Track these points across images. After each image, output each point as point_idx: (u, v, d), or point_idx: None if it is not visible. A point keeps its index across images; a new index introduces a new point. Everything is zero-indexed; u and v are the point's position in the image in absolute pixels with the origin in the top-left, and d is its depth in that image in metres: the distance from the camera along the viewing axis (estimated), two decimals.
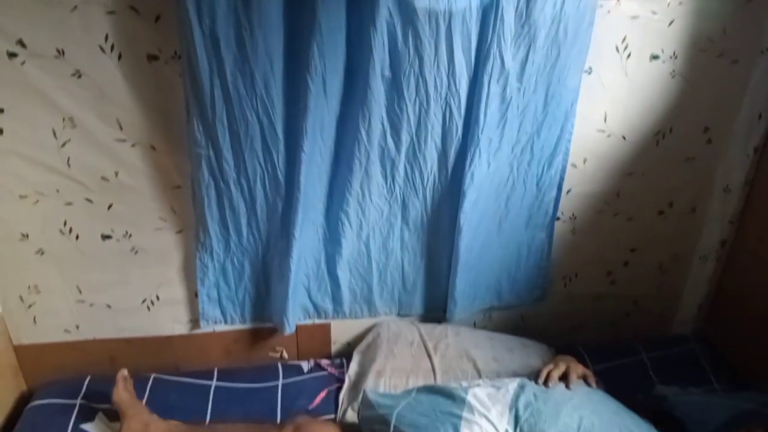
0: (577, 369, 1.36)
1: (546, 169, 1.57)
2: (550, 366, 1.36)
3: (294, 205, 1.47)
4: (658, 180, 1.65)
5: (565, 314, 1.85)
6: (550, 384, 1.31)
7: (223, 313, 1.68)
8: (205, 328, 1.69)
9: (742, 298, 1.72)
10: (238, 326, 1.72)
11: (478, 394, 1.28)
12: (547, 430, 1.18)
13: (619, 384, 1.55)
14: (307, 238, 1.57)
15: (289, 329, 1.66)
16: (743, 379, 1.65)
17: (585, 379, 1.36)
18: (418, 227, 1.64)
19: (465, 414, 1.22)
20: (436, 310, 1.79)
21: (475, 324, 1.83)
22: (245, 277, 1.64)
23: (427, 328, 1.71)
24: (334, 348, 1.81)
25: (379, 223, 1.60)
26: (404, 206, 1.59)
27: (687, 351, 1.76)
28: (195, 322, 1.68)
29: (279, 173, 1.44)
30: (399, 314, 1.79)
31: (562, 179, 1.60)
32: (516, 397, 1.26)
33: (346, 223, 1.57)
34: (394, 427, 1.23)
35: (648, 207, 1.71)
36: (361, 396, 1.39)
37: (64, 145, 1.39)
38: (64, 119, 1.36)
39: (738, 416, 1.36)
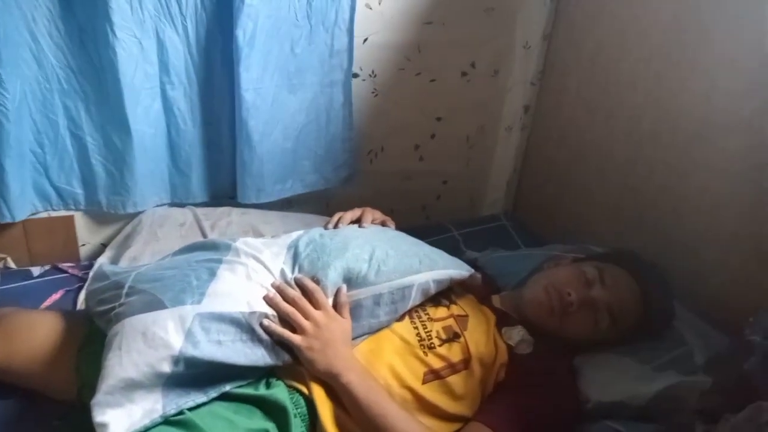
0: (374, 213, 1.14)
1: (331, 4, 1.32)
2: (343, 213, 1.12)
3: None
4: (459, 32, 1.51)
5: (374, 196, 1.61)
6: (340, 226, 1.07)
7: None
8: None
9: (546, 169, 1.67)
10: None
11: (251, 241, 0.99)
12: (332, 263, 0.92)
13: None
14: (20, 78, 1.14)
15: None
16: None
17: (383, 224, 1.15)
18: (183, 79, 1.29)
19: (227, 257, 0.92)
20: (222, 198, 1.47)
21: None
22: None
23: (205, 211, 1.38)
24: (84, 251, 1.39)
25: (129, 67, 1.22)
26: (160, 44, 1.23)
27: (497, 227, 1.66)
28: None
29: None
30: (173, 203, 1.43)
31: (352, 21, 1.36)
32: (297, 239, 1.00)
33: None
34: (129, 287, 0.88)
35: (451, 67, 1.56)
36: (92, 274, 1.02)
37: None
38: None
39: (550, 260, 1.26)
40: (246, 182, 1.41)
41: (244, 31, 1.22)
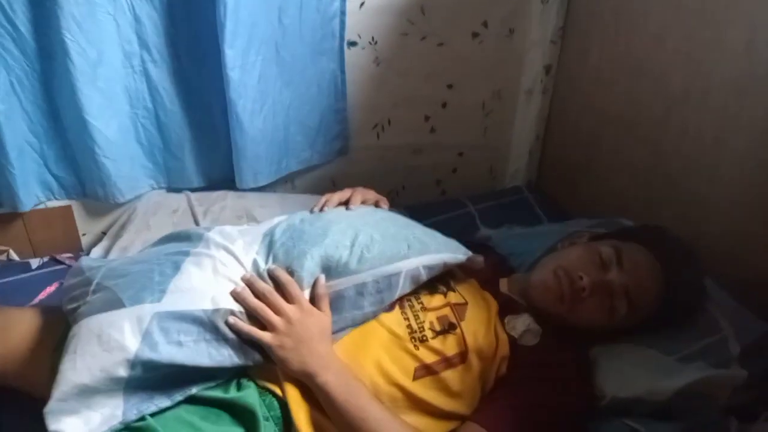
0: (366, 194, 1.04)
1: None
2: (330, 194, 1.03)
3: None
4: None
5: (384, 173, 1.54)
6: (326, 209, 0.99)
7: None
8: None
9: (571, 136, 1.53)
10: None
11: (227, 230, 0.92)
12: (309, 251, 0.84)
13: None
14: (5, 67, 1.11)
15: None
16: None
17: (377, 205, 1.05)
18: (165, 56, 1.22)
19: (195, 250, 0.86)
20: (220, 181, 1.40)
21: None
22: None
23: (200, 195, 1.32)
24: (86, 240, 1.37)
25: (108, 48, 1.16)
26: (138, 21, 1.17)
27: (518, 200, 1.54)
28: None
29: None
30: (169, 189, 1.38)
31: None
32: (275, 225, 0.92)
33: (69, 46, 1.12)
34: (96, 284, 0.83)
35: (459, 28, 1.43)
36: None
37: None
38: None
39: (566, 238, 1.14)
40: (242, 166, 1.33)
41: (225, 4, 1.14)
